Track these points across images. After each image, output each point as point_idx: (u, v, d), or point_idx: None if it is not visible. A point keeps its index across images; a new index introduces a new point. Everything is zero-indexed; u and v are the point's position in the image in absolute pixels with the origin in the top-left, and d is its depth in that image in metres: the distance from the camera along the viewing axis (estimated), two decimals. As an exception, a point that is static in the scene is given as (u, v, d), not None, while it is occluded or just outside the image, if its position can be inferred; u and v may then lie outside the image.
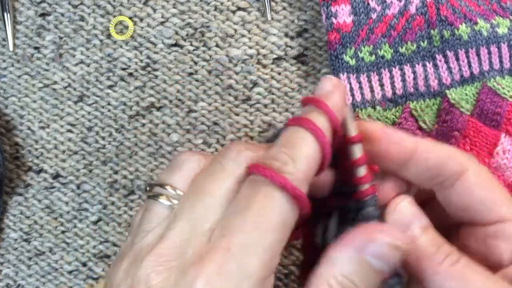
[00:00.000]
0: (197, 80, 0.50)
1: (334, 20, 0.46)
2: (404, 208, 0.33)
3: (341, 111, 0.32)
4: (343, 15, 0.46)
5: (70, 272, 0.50)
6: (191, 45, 0.50)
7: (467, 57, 0.46)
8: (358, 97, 0.46)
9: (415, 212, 0.33)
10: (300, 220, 0.31)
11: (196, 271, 0.27)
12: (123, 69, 0.50)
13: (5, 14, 0.50)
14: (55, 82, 0.50)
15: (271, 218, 0.29)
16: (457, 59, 0.46)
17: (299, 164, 0.30)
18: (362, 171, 0.32)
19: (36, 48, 0.51)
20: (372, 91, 0.46)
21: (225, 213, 0.30)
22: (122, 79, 0.50)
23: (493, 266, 0.32)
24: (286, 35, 0.50)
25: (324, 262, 0.30)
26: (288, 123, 0.32)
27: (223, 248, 0.28)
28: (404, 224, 0.32)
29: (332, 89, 0.32)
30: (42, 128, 0.51)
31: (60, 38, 0.50)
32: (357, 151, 0.32)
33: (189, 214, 0.30)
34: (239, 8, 0.50)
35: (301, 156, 0.30)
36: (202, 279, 0.27)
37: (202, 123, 0.50)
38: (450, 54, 0.46)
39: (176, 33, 0.50)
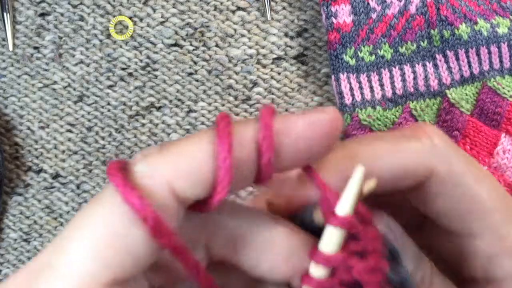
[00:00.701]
0: (197, 80, 0.50)
1: (334, 20, 0.46)
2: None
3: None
4: (343, 15, 0.46)
5: (70, 272, 0.50)
6: (191, 45, 0.50)
7: (467, 57, 0.46)
8: (358, 97, 0.46)
9: None
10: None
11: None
12: (123, 69, 0.50)
13: (5, 14, 0.50)
14: (55, 82, 0.50)
15: (96, 230, 0.20)
16: (457, 59, 0.46)
17: (167, 163, 0.20)
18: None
19: (35, 48, 0.51)
20: (372, 91, 0.46)
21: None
22: (122, 79, 0.50)
23: (463, 278, 0.26)
24: (286, 35, 0.50)
25: None
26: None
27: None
28: None
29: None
30: (42, 128, 0.50)
31: (60, 38, 0.50)
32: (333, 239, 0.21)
33: None
34: (238, 8, 0.50)
35: (174, 152, 0.20)
36: None
37: (202, 123, 0.50)
38: (450, 54, 0.46)
39: (176, 33, 0.50)
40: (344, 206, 0.21)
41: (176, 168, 0.20)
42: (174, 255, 0.20)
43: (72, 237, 0.20)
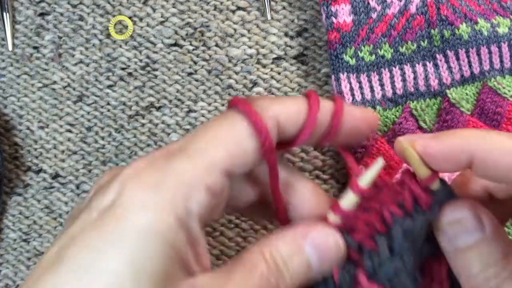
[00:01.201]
0: (196, 80, 0.50)
1: (334, 20, 0.46)
2: (457, 218, 0.30)
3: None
4: (343, 14, 0.46)
5: (69, 273, 0.50)
6: (191, 44, 0.50)
7: (468, 56, 0.46)
8: (358, 97, 0.46)
9: (468, 221, 0.30)
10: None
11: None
12: (123, 68, 0.50)
13: (4, 13, 0.50)
14: (54, 82, 0.50)
15: (223, 133, 0.29)
16: (458, 58, 0.46)
17: (274, 104, 0.31)
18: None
19: (35, 47, 0.51)
20: (372, 90, 0.46)
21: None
22: (121, 79, 0.50)
23: None
24: (286, 34, 0.49)
25: (262, 240, 0.30)
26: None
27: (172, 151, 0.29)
28: (454, 235, 0.30)
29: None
30: (41, 128, 0.50)
31: (59, 37, 0.50)
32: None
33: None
34: (238, 8, 0.50)
35: (280, 101, 0.31)
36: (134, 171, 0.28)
37: (202, 123, 0.50)
38: (450, 53, 0.46)
39: (176, 32, 0.50)
40: (363, 182, 0.31)
41: (283, 109, 0.31)
42: (269, 167, 0.31)
43: (201, 135, 0.29)
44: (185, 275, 0.27)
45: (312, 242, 0.30)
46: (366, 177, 0.31)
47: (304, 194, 0.33)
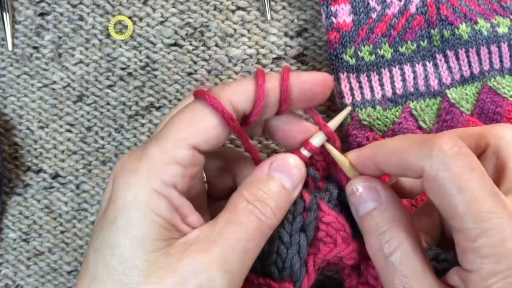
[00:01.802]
0: (196, 80, 0.50)
1: (334, 20, 0.46)
2: (355, 189, 0.36)
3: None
4: (343, 14, 0.46)
5: (69, 272, 0.50)
6: (191, 44, 0.50)
7: (467, 56, 0.46)
8: (358, 97, 0.46)
9: (363, 194, 0.36)
10: None
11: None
12: (123, 68, 0.50)
13: (4, 13, 0.50)
14: (54, 82, 0.50)
15: (185, 117, 0.35)
16: (457, 58, 0.46)
17: (227, 90, 0.36)
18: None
19: (35, 47, 0.50)
20: (372, 90, 0.46)
21: None
22: (121, 78, 0.50)
23: None
24: (286, 34, 0.49)
25: (239, 186, 0.36)
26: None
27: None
28: (355, 204, 0.36)
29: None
30: (41, 128, 0.50)
31: (59, 37, 0.50)
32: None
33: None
34: (238, 8, 0.50)
35: (232, 86, 0.36)
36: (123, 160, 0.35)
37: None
38: (450, 53, 0.46)
39: (176, 32, 0.50)
40: (330, 125, 0.38)
41: (233, 89, 0.36)
42: (239, 135, 0.36)
43: (169, 123, 0.35)
44: (179, 235, 0.33)
45: (277, 167, 0.36)
46: (335, 121, 0.39)
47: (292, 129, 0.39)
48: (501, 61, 0.45)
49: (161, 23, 0.50)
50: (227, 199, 0.36)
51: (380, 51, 0.46)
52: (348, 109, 0.40)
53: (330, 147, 0.38)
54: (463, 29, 0.45)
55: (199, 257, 0.32)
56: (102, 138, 0.50)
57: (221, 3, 0.50)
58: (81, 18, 0.50)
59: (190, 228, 0.34)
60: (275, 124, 0.39)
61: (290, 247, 0.36)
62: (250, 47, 0.49)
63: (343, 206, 0.38)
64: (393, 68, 0.46)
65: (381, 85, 0.46)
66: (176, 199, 0.33)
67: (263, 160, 0.37)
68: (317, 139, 0.38)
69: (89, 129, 0.50)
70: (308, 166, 0.38)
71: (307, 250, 0.36)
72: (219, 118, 0.35)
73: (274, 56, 0.49)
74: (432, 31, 0.46)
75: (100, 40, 0.50)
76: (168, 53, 0.50)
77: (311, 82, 0.37)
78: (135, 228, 0.32)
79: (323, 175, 0.39)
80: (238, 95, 0.36)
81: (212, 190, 0.41)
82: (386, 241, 0.34)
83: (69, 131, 0.50)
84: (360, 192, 0.36)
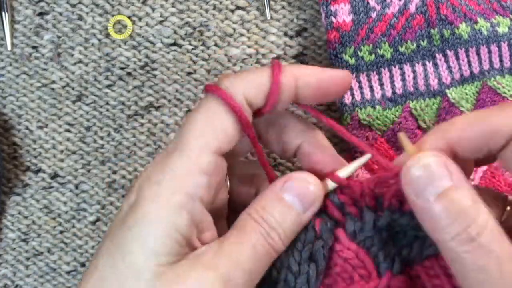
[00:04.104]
0: (196, 80, 0.50)
1: (333, 19, 0.46)
2: (426, 163, 0.31)
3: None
4: (343, 14, 0.46)
5: (68, 273, 0.50)
6: (190, 44, 0.50)
7: (467, 56, 0.45)
8: (358, 97, 0.46)
9: (437, 169, 0.30)
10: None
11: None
12: (122, 68, 0.50)
13: (3, 13, 0.50)
14: (53, 82, 0.50)
15: (204, 120, 0.34)
16: (457, 58, 0.46)
17: (239, 81, 0.35)
18: None
19: (34, 47, 0.50)
20: (371, 90, 0.46)
21: None
22: (120, 78, 0.50)
23: None
24: (285, 34, 0.49)
25: (250, 203, 0.35)
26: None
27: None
28: (421, 186, 0.30)
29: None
30: (40, 127, 0.50)
31: (58, 37, 0.50)
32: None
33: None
34: (238, 7, 0.50)
35: (245, 76, 0.35)
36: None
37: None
38: (450, 53, 0.46)
39: (175, 32, 0.50)
40: (342, 173, 0.36)
41: (248, 84, 0.35)
42: (248, 135, 0.35)
43: (187, 129, 0.34)
44: (191, 250, 0.33)
45: (289, 187, 0.35)
46: (349, 169, 0.36)
47: (321, 150, 0.38)
48: (501, 61, 0.45)
49: (161, 22, 0.50)
50: None
51: (380, 50, 0.46)
52: (368, 156, 0.36)
53: (402, 137, 0.32)
54: (463, 28, 0.45)
55: (205, 273, 0.32)
56: (101, 138, 0.50)
57: (220, 2, 0.50)
58: (80, 18, 0.50)
59: (202, 244, 0.34)
60: (307, 151, 0.37)
61: (298, 276, 0.34)
62: (249, 46, 0.49)
63: (379, 237, 0.34)
64: (393, 68, 0.46)
65: (381, 84, 0.46)
66: (199, 214, 0.33)
67: (277, 177, 0.36)
68: (345, 173, 0.36)
69: (88, 129, 0.50)
70: (332, 192, 0.36)
71: (318, 280, 0.34)
72: (235, 118, 0.34)
73: (274, 55, 0.49)
74: (432, 30, 0.46)
75: (99, 40, 0.50)
76: (168, 52, 0.50)
77: (329, 81, 0.36)
78: (151, 241, 0.32)
79: (346, 199, 0.36)
80: (252, 88, 0.35)
81: (233, 202, 0.40)
82: (471, 220, 0.29)
83: (68, 131, 0.50)
84: (432, 168, 0.30)
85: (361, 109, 0.46)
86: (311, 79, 0.36)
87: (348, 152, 0.47)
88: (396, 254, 0.34)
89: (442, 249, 0.30)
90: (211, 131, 0.34)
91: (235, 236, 0.34)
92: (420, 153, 0.31)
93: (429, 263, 0.34)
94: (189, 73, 0.50)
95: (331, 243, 0.35)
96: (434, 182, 0.30)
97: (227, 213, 0.39)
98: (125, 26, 0.50)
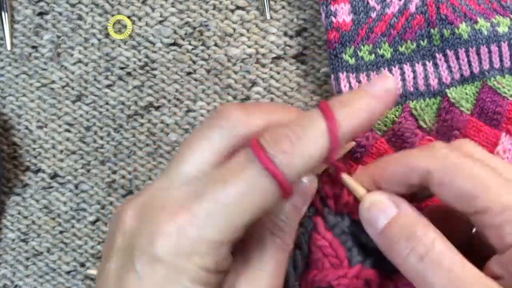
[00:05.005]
0: (195, 80, 0.49)
1: (333, 19, 0.46)
2: (374, 202, 0.34)
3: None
4: (343, 14, 0.46)
5: (68, 273, 0.50)
6: (190, 44, 0.50)
7: (467, 56, 0.45)
8: (358, 97, 0.46)
9: (383, 203, 0.34)
10: None
11: (160, 219, 0.30)
12: (122, 68, 0.50)
13: (3, 13, 0.50)
14: (53, 82, 0.50)
15: (244, 197, 0.29)
16: (457, 58, 0.46)
17: (297, 158, 0.30)
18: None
19: (34, 47, 0.50)
20: (371, 90, 0.46)
21: (209, 174, 0.31)
22: (120, 78, 0.50)
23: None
24: (285, 34, 0.49)
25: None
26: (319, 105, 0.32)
27: (190, 210, 0.30)
28: (373, 219, 0.34)
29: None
30: (40, 127, 0.50)
31: (58, 37, 0.50)
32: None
33: (167, 170, 0.32)
34: (238, 7, 0.50)
35: (303, 150, 0.30)
36: (164, 228, 0.29)
37: (201, 123, 0.49)
38: (450, 53, 0.46)
39: (175, 32, 0.50)
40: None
41: (303, 160, 0.30)
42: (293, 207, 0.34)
43: (222, 191, 0.29)
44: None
45: None
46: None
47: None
48: (501, 61, 0.45)
49: (160, 22, 0.50)
50: None
51: (380, 50, 0.46)
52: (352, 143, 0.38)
53: (345, 177, 0.35)
54: (463, 28, 0.45)
55: None
56: (101, 137, 0.50)
57: (220, 2, 0.50)
58: (80, 18, 0.50)
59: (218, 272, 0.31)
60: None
61: (288, 262, 0.35)
62: (249, 46, 0.49)
63: (354, 237, 0.36)
64: (393, 68, 0.46)
65: (381, 84, 0.46)
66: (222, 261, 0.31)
67: None
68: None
69: (88, 128, 0.50)
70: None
71: (302, 265, 0.35)
72: (280, 193, 0.30)
73: (274, 55, 0.49)
74: (432, 30, 0.46)
75: (99, 40, 0.50)
76: (167, 52, 0.50)
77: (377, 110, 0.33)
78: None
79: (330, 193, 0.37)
80: (306, 159, 0.30)
81: None
82: (419, 238, 0.31)
83: (68, 130, 0.50)
84: (380, 202, 0.34)
85: (361, 109, 0.46)
86: (363, 121, 0.32)
87: (348, 152, 0.47)
88: (370, 255, 0.35)
89: (402, 272, 0.32)
90: (251, 206, 0.30)
91: (256, 259, 0.33)
92: (368, 194, 0.35)
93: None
94: (189, 73, 0.50)
95: (309, 231, 0.36)
96: (382, 213, 0.33)
97: None
98: (125, 26, 0.50)
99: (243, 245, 0.33)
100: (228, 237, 0.30)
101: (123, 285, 0.29)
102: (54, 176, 0.50)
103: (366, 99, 0.32)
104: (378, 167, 0.35)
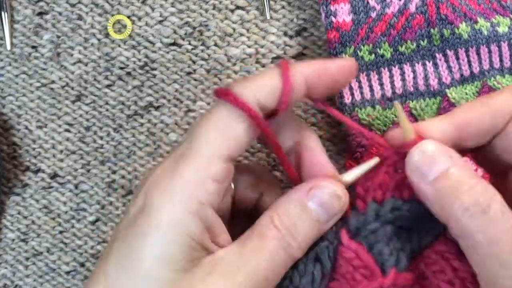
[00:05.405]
0: (195, 79, 0.49)
1: (333, 19, 0.46)
2: (426, 149, 0.32)
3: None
4: (343, 14, 0.46)
5: (68, 273, 0.50)
6: (190, 44, 0.50)
7: (467, 56, 0.45)
8: (358, 97, 0.46)
9: (436, 153, 0.32)
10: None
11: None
12: (121, 68, 0.50)
13: (3, 13, 0.50)
14: (53, 82, 0.50)
15: (215, 126, 0.34)
16: (457, 58, 0.46)
17: (253, 85, 0.34)
18: None
19: (33, 47, 0.50)
20: (371, 90, 0.46)
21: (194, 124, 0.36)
22: (120, 78, 0.50)
23: None
24: (285, 34, 0.49)
25: (271, 205, 0.34)
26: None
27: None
28: (424, 167, 0.32)
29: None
30: (40, 127, 0.50)
31: (58, 37, 0.50)
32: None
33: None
34: (237, 7, 0.50)
35: (257, 80, 0.34)
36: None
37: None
38: (450, 53, 0.46)
39: (175, 32, 0.50)
40: (348, 176, 0.36)
41: (259, 88, 0.34)
42: (268, 138, 0.34)
43: (197, 134, 0.33)
44: (206, 253, 0.33)
45: (315, 195, 0.34)
46: (355, 172, 0.36)
47: (314, 153, 0.37)
48: (501, 61, 0.45)
49: (160, 22, 0.50)
50: (248, 216, 0.36)
51: (380, 50, 0.46)
52: (376, 160, 0.36)
53: (399, 109, 0.34)
54: (463, 28, 0.45)
55: (222, 283, 0.32)
56: (101, 137, 0.50)
57: (220, 2, 0.50)
58: (79, 18, 0.50)
59: (217, 247, 0.33)
60: (298, 152, 0.37)
61: (303, 275, 0.34)
62: (249, 46, 0.49)
63: (383, 232, 0.34)
64: (393, 68, 0.46)
65: (381, 84, 0.46)
66: (210, 219, 0.33)
67: (299, 179, 0.36)
68: (351, 176, 0.36)
69: (87, 128, 0.50)
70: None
71: (323, 282, 0.34)
72: (248, 122, 0.33)
73: (274, 55, 0.49)
74: (432, 30, 0.46)
75: (98, 40, 0.50)
76: (167, 52, 0.50)
77: (337, 72, 0.36)
78: (164, 248, 0.32)
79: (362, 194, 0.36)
80: (263, 92, 0.34)
81: (235, 205, 0.40)
82: (479, 193, 0.30)
83: (68, 130, 0.50)
84: (432, 152, 0.32)
85: (361, 109, 0.46)
86: (319, 73, 0.35)
87: (348, 152, 0.47)
88: (401, 249, 0.34)
89: (451, 228, 0.31)
90: (223, 138, 0.33)
91: (254, 242, 0.33)
92: (421, 141, 0.33)
93: (429, 250, 0.34)
94: (188, 73, 0.50)
95: (336, 244, 0.34)
96: (436, 163, 0.31)
97: (229, 216, 0.39)
98: (125, 26, 0.50)
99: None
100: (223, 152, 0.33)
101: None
102: (54, 176, 0.50)
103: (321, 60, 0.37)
104: (461, 112, 0.34)
